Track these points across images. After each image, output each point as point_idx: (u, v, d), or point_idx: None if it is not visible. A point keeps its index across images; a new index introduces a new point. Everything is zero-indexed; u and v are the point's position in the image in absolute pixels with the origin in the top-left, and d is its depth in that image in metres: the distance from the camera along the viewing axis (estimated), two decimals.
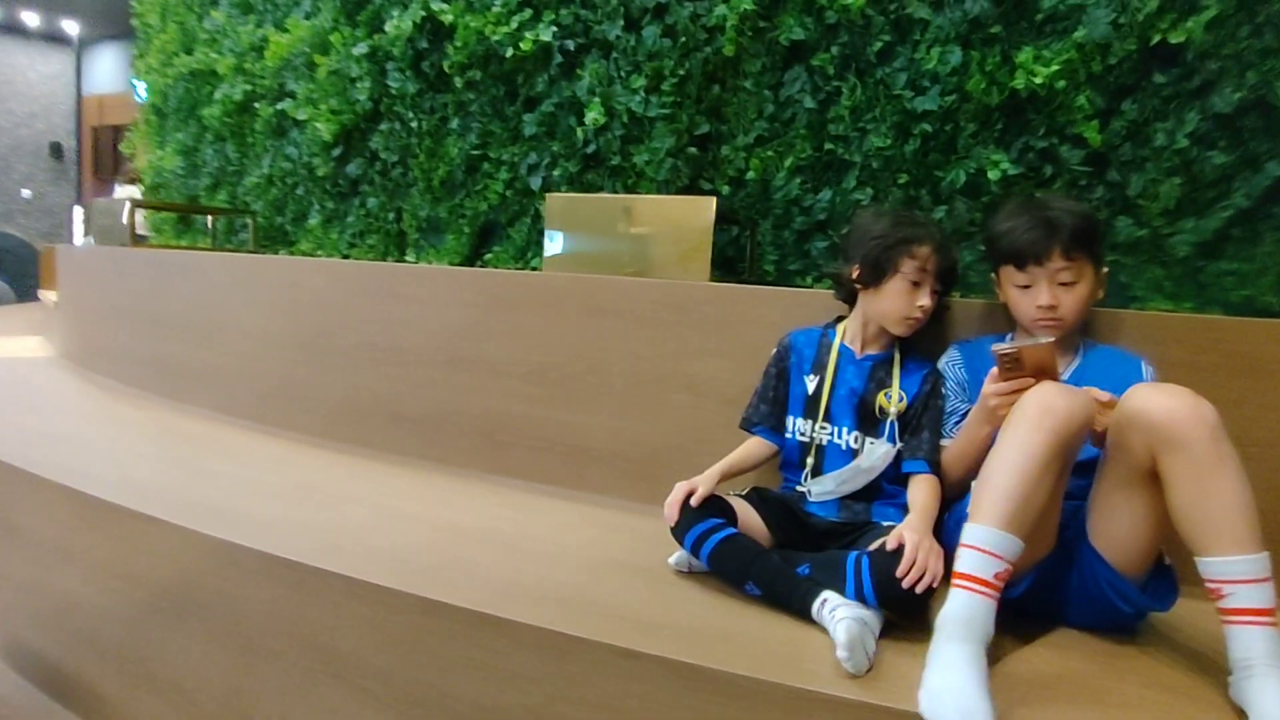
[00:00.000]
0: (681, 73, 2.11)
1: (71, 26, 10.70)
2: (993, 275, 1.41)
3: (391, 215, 2.63)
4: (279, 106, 2.90)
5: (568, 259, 1.84)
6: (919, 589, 1.11)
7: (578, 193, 2.24)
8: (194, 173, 3.55)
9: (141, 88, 9.56)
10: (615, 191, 2.22)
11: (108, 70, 11.14)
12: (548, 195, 1.89)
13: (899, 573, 1.11)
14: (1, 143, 10.83)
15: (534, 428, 1.77)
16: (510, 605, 1.15)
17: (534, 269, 2.30)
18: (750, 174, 2.09)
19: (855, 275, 1.38)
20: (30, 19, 10.45)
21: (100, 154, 11.13)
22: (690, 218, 1.71)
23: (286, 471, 1.86)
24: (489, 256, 2.41)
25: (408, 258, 2.62)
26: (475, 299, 1.87)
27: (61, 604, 1.67)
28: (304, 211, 2.94)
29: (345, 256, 2.78)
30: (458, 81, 2.39)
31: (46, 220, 11.14)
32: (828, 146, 2.06)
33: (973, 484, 1.16)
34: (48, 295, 4.91)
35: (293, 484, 1.77)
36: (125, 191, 5.40)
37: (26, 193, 10.96)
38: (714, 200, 1.71)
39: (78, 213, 10.68)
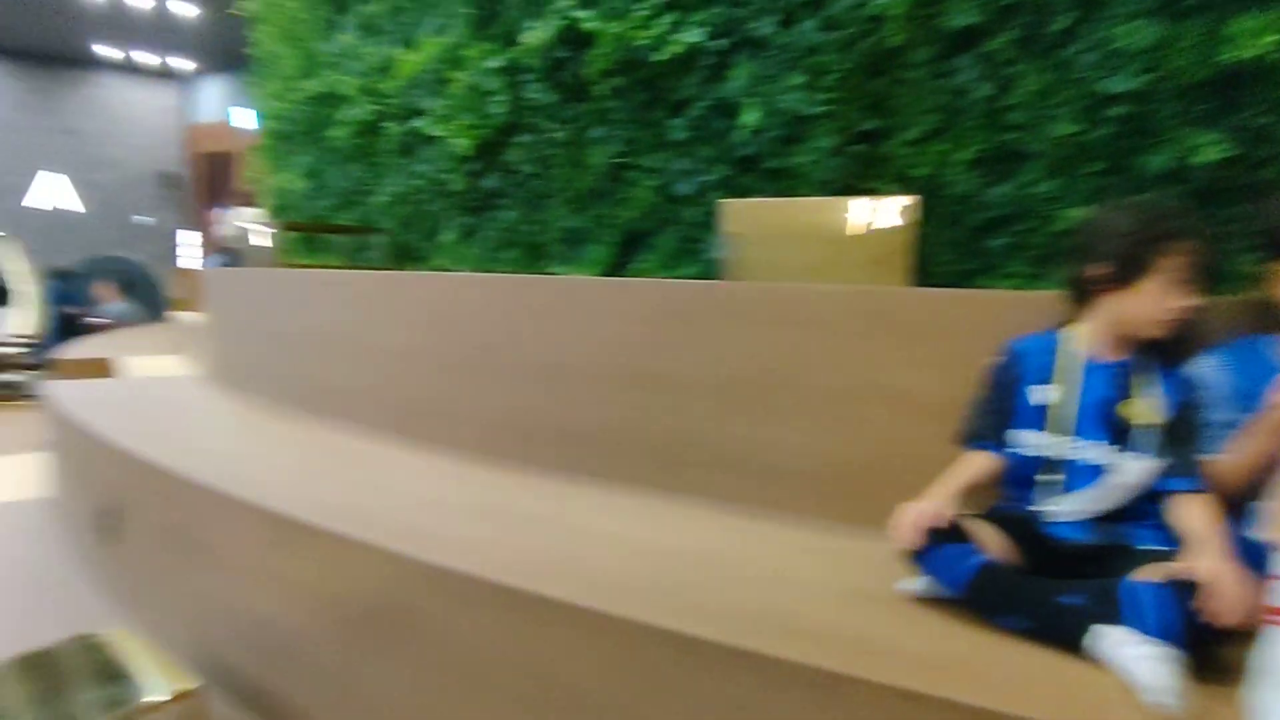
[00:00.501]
0: (843, 66, 2.01)
1: (178, 63, 11.33)
2: (1264, 268, 1.27)
3: (530, 228, 2.62)
4: (409, 125, 2.93)
5: (748, 267, 1.77)
6: (1230, 625, 0.99)
7: (731, 198, 2.16)
8: (320, 194, 3.64)
9: (242, 115, 9.98)
10: (770, 195, 2.14)
11: (208, 101, 11.75)
12: (725, 201, 1.83)
13: (1207, 606, 0.99)
14: (122, 173, 11.56)
15: (717, 444, 1.70)
16: (760, 638, 1.08)
17: (686, 278, 2.24)
18: (921, 170, 1.98)
19: (1102, 275, 1.26)
20: (142, 58, 11.11)
21: (203, 180, 11.74)
22: (886, 219, 1.62)
23: (461, 490, 1.84)
24: (637, 266, 2.37)
25: (549, 270, 2.61)
26: (643, 311, 1.81)
27: (260, 623, 1.69)
28: (436, 228, 2.97)
29: (482, 271, 2.78)
30: (599, 90, 2.35)
31: (161, 244, 11.81)
32: (1005, 137, 1.93)
33: (1264, 505, 1.03)
34: (178, 315, 5.18)
35: (471, 503, 1.75)
36: (240, 215, 5.63)
37: (146, 219, 11.65)
38: (915, 199, 1.61)
39: (186, 236, 11.31)
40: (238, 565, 1.75)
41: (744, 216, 1.78)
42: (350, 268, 3.30)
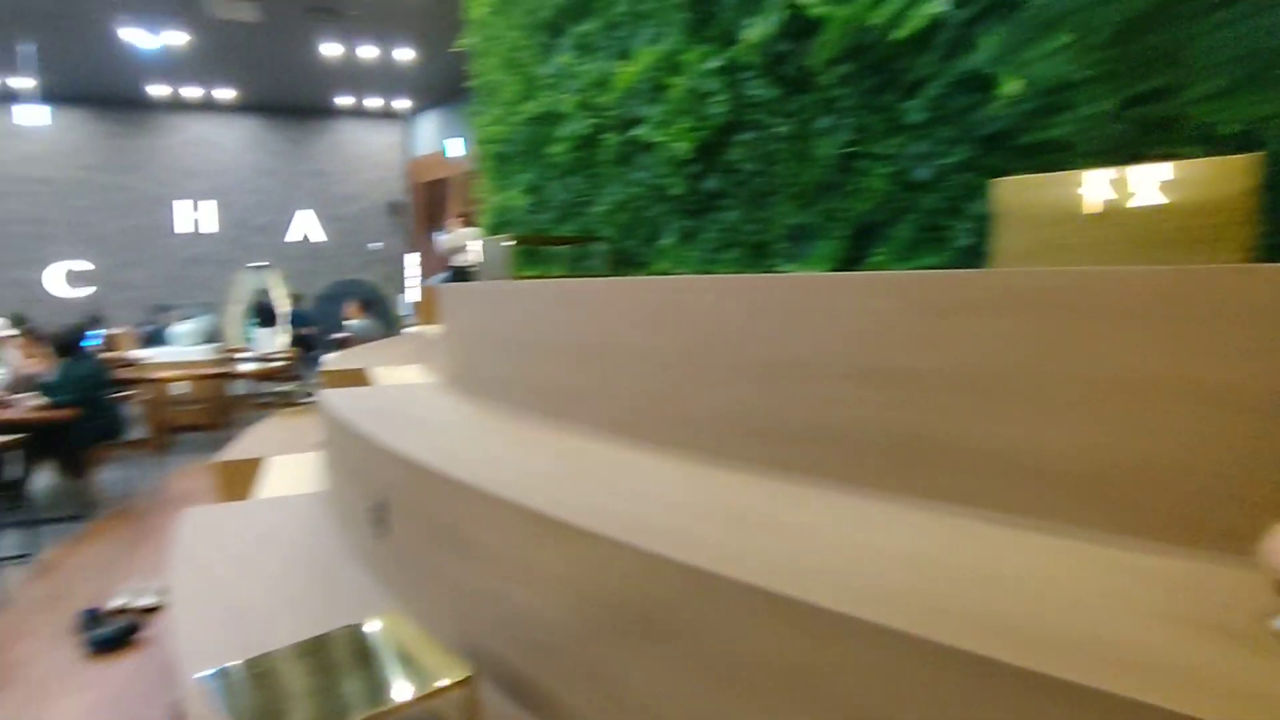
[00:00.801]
0: (1115, 21, 1.77)
1: (399, 104, 12.63)
2: None
3: (752, 227, 2.59)
4: (628, 134, 3.01)
5: (1020, 251, 1.60)
6: None
7: (979, 179, 1.97)
8: (541, 208, 3.85)
9: (455, 145, 10.85)
10: (1024, 173, 1.93)
11: (425, 136, 12.97)
12: (996, 181, 1.67)
13: None
14: (359, 206, 13.12)
15: (980, 446, 1.54)
16: (1101, 674, 0.93)
17: (927, 269, 2.08)
18: (1227, 128, 1.68)
19: None
20: (370, 103, 12.50)
21: (423, 207, 12.98)
22: (1217, 185, 1.38)
23: (701, 492, 1.82)
24: (872, 259, 2.24)
25: (773, 268, 2.55)
26: (891, 305, 1.69)
27: (521, 616, 1.77)
28: (656, 232, 3.02)
29: (704, 272, 2.78)
30: (825, 79, 2.26)
31: (388, 268, 13.23)
32: None
33: None
34: (415, 328, 5.73)
35: (714, 505, 1.72)
36: (458, 234, 6.14)
37: (377, 245, 13.14)
38: (1252, 157, 1.36)
39: (410, 259, 12.56)
40: (499, 559, 1.85)
41: (1015, 196, 1.60)
42: (572, 276, 3.45)
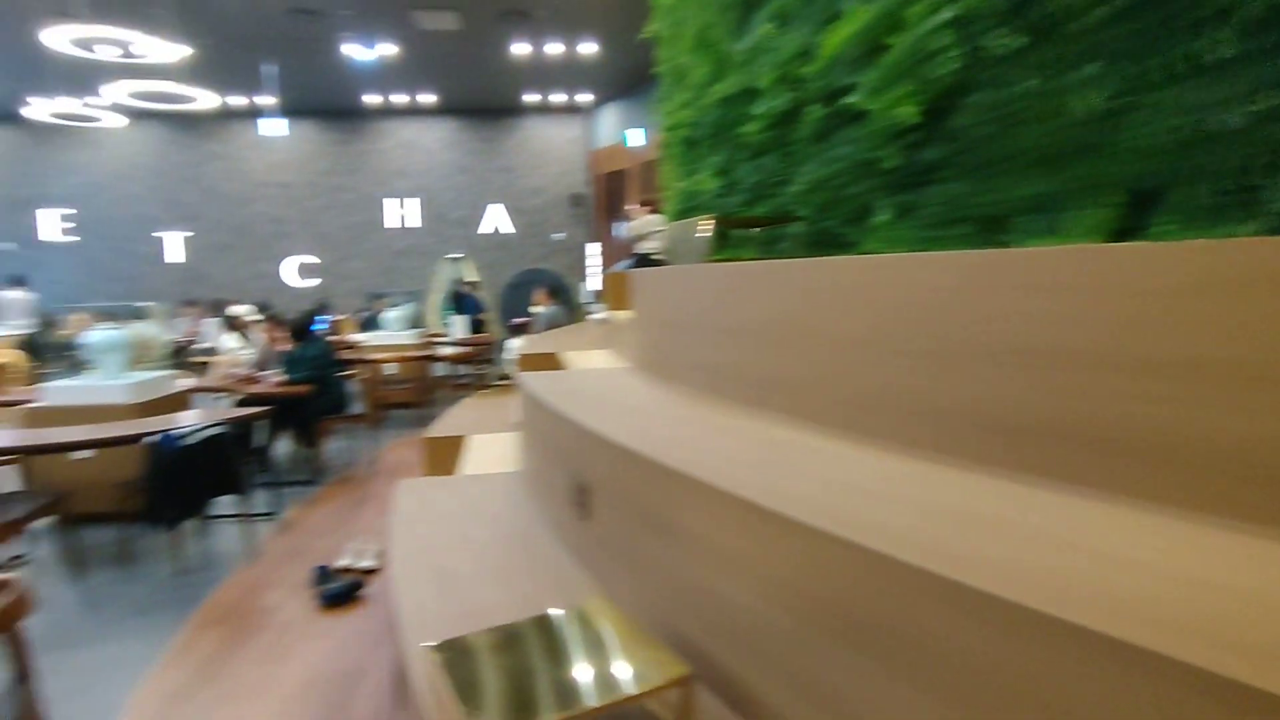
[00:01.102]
0: None
1: (581, 97, 13.01)
2: None
3: (984, 198, 2.31)
4: (833, 106, 2.81)
5: None
6: None
7: None
8: (730, 191, 3.74)
9: (634, 135, 10.97)
10: None
11: (605, 128, 13.27)
12: None
13: None
14: (543, 198, 13.74)
15: None
16: None
17: (1231, 237, 1.73)
18: None
19: None
20: (555, 98, 12.99)
21: (603, 197, 13.33)
22: None
23: (932, 490, 1.63)
24: (1158, 228, 1.91)
25: (1009, 243, 2.27)
26: (1171, 281, 1.40)
27: (730, 611, 1.68)
28: (863, 210, 2.81)
29: (922, 251, 2.54)
30: (1089, 19, 1.95)
31: (570, 257, 13.75)
32: None
33: None
34: (600, 315, 5.87)
35: (945, 505, 1.53)
36: (643, 222, 6.18)
37: (559, 236, 13.71)
38: None
39: (591, 248, 12.95)
40: (708, 550, 1.77)
41: None
42: (765, 259, 3.32)
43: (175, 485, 3.71)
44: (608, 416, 2.50)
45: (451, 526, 2.85)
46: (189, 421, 4.14)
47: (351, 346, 7.87)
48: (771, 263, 2.70)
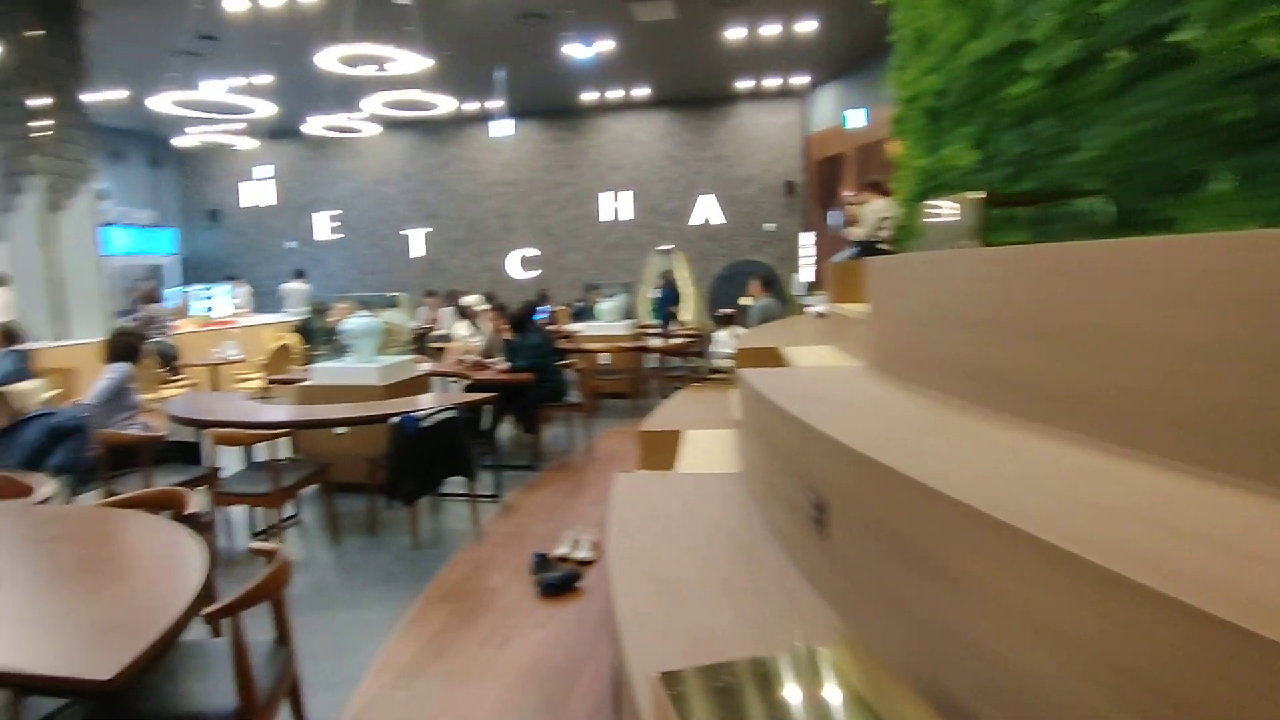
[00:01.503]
0: None
1: (796, 80, 12.50)
2: None
3: None
4: (1145, 49, 2.27)
5: None
6: None
7: None
8: (988, 165, 3.23)
9: (855, 116, 10.30)
10: None
11: (821, 111, 12.64)
12: None
13: None
14: (754, 188, 13.46)
15: None
16: None
17: None
18: None
19: None
20: (769, 82, 12.60)
21: (820, 184, 12.73)
22: None
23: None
24: None
25: None
26: None
27: (1010, 674, 1.34)
28: (1183, 179, 2.24)
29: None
30: None
31: (781, 248, 13.34)
32: None
33: None
34: (818, 307, 5.52)
35: None
36: (870, 207, 5.69)
37: (770, 226, 13.35)
38: None
39: (805, 238, 12.45)
40: (986, 597, 1.44)
41: None
42: (1037, 243, 2.81)
43: (413, 464, 3.96)
44: (847, 421, 2.20)
45: (669, 528, 2.71)
46: (427, 404, 4.41)
47: (568, 336, 8.15)
48: (1063, 246, 2.24)
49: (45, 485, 2.94)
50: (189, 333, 9.31)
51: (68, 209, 7.90)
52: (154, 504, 2.68)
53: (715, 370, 6.90)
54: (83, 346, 7.04)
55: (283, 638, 2.16)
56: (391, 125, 14.26)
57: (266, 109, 9.35)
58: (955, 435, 2.08)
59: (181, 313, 11.66)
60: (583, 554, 3.76)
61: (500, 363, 5.90)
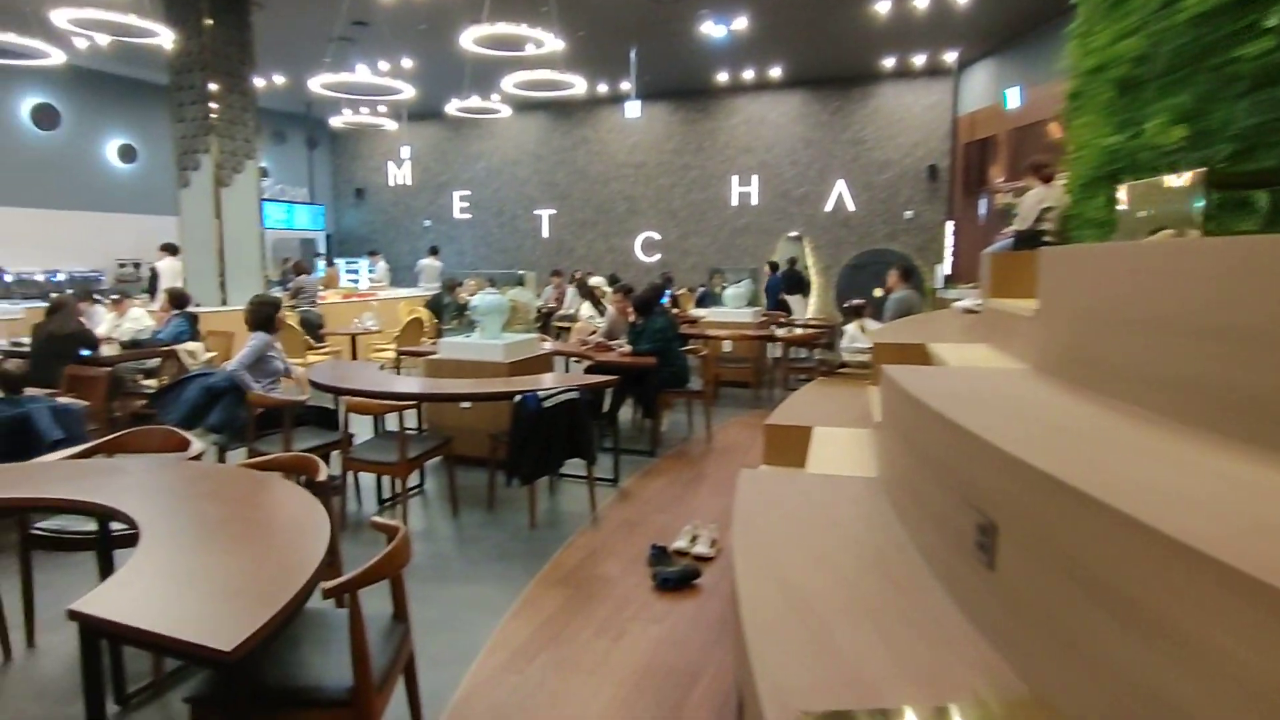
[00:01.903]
0: None
1: (949, 56, 11.64)
2: None
3: None
4: None
5: None
6: None
7: None
8: (1203, 141, 2.76)
9: (1014, 94, 9.47)
10: None
11: (973, 90, 11.73)
12: None
13: None
14: (892, 172, 12.73)
15: None
16: None
17: None
18: None
19: None
20: (916, 59, 11.81)
21: (968, 168, 11.85)
22: None
23: None
24: None
25: None
26: None
27: None
28: None
29: None
30: None
31: (920, 236, 12.57)
32: None
33: None
34: (966, 301, 5.05)
35: None
36: (1035, 192, 5.13)
37: (909, 214, 12.60)
38: None
39: (948, 226, 11.64)
40: (1201, 653, 1.15)
41: None
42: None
43: (533, 443, 3.92)
44: (1019, 431, 1.90)
45: (800, 534, 2.49)
46: (549, 384, 4.38)
47: (692, 321, 7.98)
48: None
49: (199, 442, 3.09)
50: (333, 303, 9.86)
51: (232, 185, 8.51)
52: (289, 468, 2.74)
53: (844, 364, 6.53)
54: (239, 312, 7.58)
55: (400, 613, 2.13)
56: (525, 107, 14.54)
57: (409, 91, 9.70)
58: (1168, 460, 1.74)
59: (332, 283, 12.43)
60: (702, 549, 3.60)
61: (623, 345, 5.82)
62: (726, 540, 3.81)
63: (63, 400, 4.28)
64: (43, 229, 11.10)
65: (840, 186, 13.04)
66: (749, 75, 12.76)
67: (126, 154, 12.31)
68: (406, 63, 10.78)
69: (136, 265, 11.26)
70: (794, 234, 13.11)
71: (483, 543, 3.85)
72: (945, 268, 11.12)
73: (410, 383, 4.82)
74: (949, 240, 11.48)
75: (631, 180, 14.42)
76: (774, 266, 11.64)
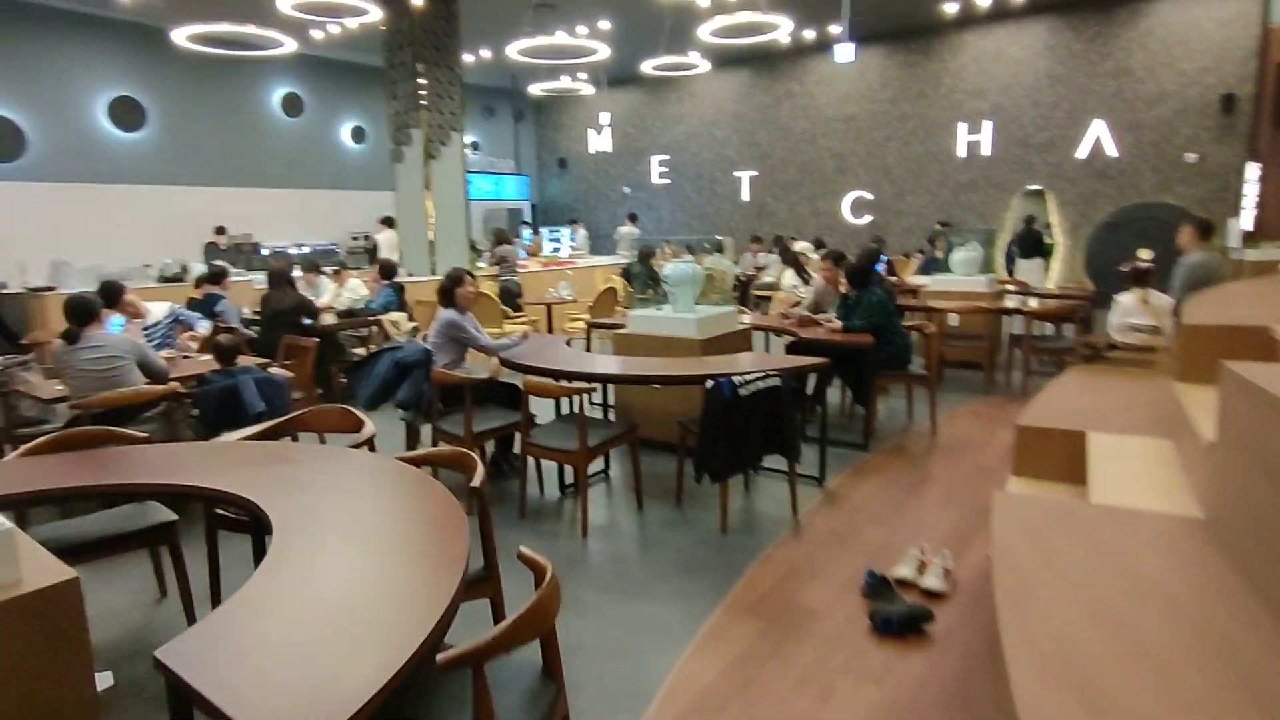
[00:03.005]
0: None
1: None
2: None
3: None
4: None
5: None
6: None
7: None
8: None
9: None
10: None
11: None
12: None
13: None
14: (1168, 107, 10.47)
15: None
16: None
17: None
18: None
19: None
20: None
21: (1276, 97, 9.38)
22: None
23: None
24: None
25: None
26: None
27: None
28: None
29: None
30: None
31: (1203, 186, 10.26)
32: None
33: None
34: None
35: None
36: None
37: (1191, 157, 10.31)
38: None
39: (1250, 170, 9.32)
40: None
41: None
42: None
43: (727, 436, 3.39)
44: None
45: (1091, 595, 1.72)
46: (747, 366, 3.81)
47: (913, 292, 6.98)
48: None
49: (369, 425, 2.91)
50: (532, 272, 9.95)
51: (440, 158, 8.75)
52: (446, 464, 2.44)
53: (1114, 346, 5.28)
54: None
55: (552, 670, 1.70)
56: (725, 63, 13.81)
57: (604, 51, 9.41)
58: None
59: (536, 251, 12.70)
60: (932, 583, 2.88)
61: (832, 320, 5.08)
62: (963, 570, 3.04)
63: (273, 370, 4.42)
64: (292, 206, 12.34)
65: (1098, 129, 10.96)
66: (984, 1, 11.03)
67: (358, 135, 13.33)
68: (604, 24, 10.50)
69: (365, 238, 12.17)
70: (1034, 187, 11.28)
71: (667, 548, 3.40)
72: (1244, 221, 8.88)
73: (592, 360, 4.47)
74: (1251, 187, 9.13)
75: (840, 136, 13.22)
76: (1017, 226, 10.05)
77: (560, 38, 9.26)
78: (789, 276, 6.99)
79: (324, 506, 2.05)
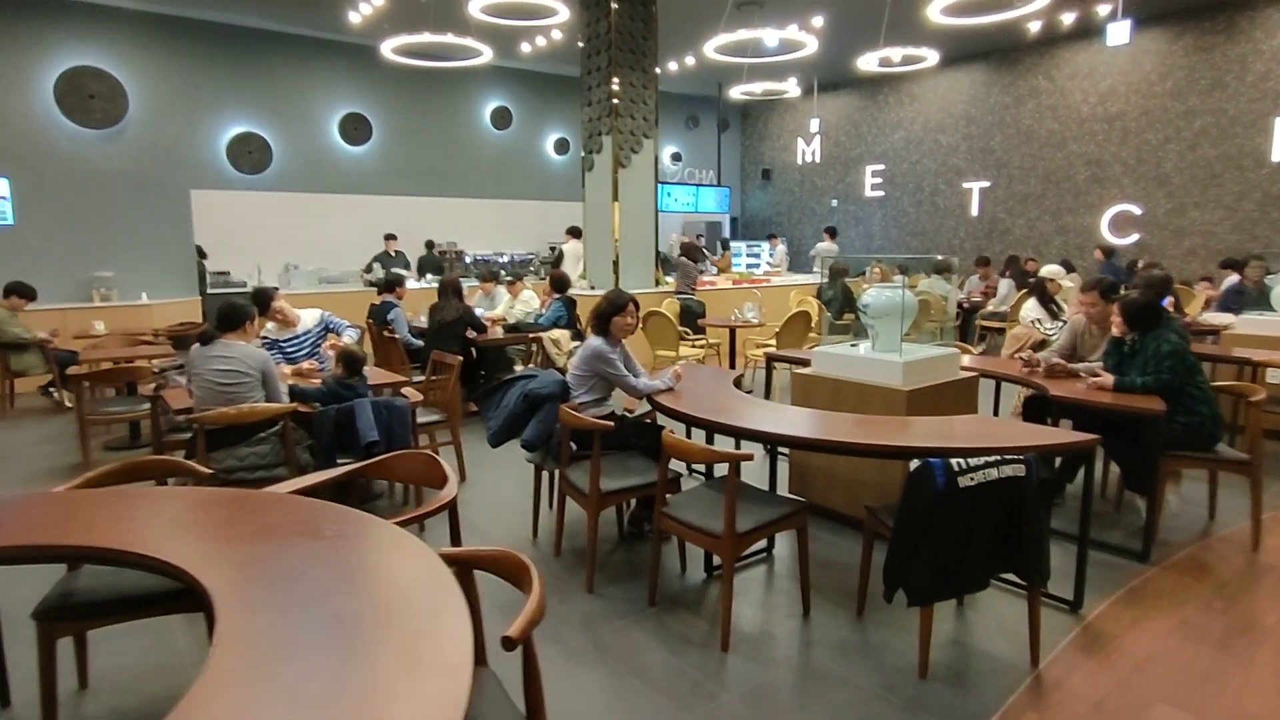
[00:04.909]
0: None
1: None
2: None
3: None
4: None
5: None
6: None
7: None
8: None
9: None
10: None
11: None
12: None
13: None
14: None
15: None
16: None
17: None
18: None
19: None
20: None
21: None
22: None
23: None
24: None
25: None
26: None
27: None
28: None
29: None
30: None
31: None
32: None
33: None
34: None
35: None
36: None
37: None
38: None
39: None
40: None
41: None
42: None
43: (936, 543, 2.34)
44: None
45: None
46: (973, 438, 2.71)
47: (1212, 334, 5.25)
48: None
49: (451, 485, 2.26)
50: (716, 289, 9.16)
51: (630, 166, 8.24)
52: (492, 568, 1.68)
53: None
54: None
55: None
56: (954, 59, 12.14)
57: (811, 45, 8.41)
58: None
59: (725, 267, 11.93)
60: None
61: (1095, 370, 3.75)
62: None
63: (406, 391, 4.00)
64: (497, 217, 12.64)
65: None
66: None
67: (560, 146, 13.39)
68: (816, 20, 9.47)
69: (552, 249, 12.12)
70: None
71: (835, 688, 2.41)
72: None
73: (759, 411, 3.53)
74: None
75: (1099, 139, 11.04)
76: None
77: (765, 33, 8.42)
78: (1030, 307, 5.55)
79: (293, 612, 1.36)
